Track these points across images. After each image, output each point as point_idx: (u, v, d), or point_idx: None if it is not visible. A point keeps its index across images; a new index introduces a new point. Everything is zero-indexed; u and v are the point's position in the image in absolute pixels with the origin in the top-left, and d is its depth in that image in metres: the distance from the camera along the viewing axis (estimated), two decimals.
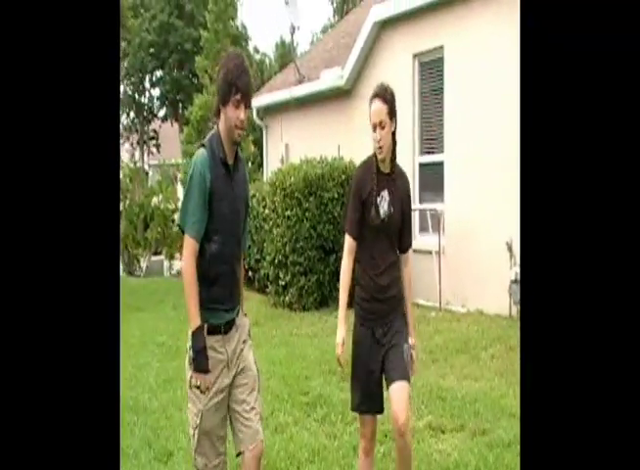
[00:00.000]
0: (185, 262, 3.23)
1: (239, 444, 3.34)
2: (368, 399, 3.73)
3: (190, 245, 3.23)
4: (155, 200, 20.44)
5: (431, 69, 10.27)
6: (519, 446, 4.45)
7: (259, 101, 15.13)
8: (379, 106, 3.63)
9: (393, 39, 11.00)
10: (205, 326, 3.24)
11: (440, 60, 9.86)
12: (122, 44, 21.83)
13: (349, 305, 3.71)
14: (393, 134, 3.69)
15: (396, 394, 3.57)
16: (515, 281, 8.67)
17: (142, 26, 31.84)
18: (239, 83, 3.19)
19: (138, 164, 31.70)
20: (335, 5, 36.89)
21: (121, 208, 20.55)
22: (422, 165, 10.51)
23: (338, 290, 11.50)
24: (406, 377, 3.63)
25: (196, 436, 3.27)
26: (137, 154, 35.88)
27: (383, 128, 3.62)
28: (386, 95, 3.64)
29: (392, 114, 3.65)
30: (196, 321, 3.18)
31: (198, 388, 3.20)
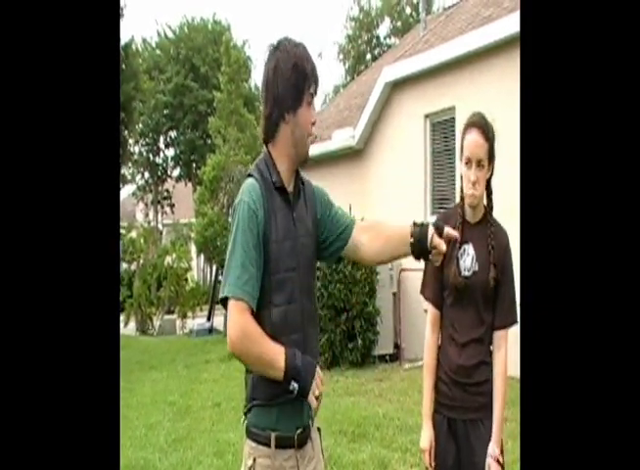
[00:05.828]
0: (235, 328, 2.16)
1: None
2: None
3: (238, 309, 2.18)
4: (168, 259, 20.64)
5: (442, 129, 10.38)
6: None
7: None
8: (477, 140, 2.84)
9: (405, 100, 11.14)
10: (273, 437, 2.29)
11: (452, 120, 9.94)
12: (137, 105, 22.22)
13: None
14: (489, 181, 2.96)
15: None
16: None
17: (157, 88, 32.44)
18: (315, 72, 2.37)
19: (152, 224, 31.96)
20: (347, 66, 37.53)
21: (135, 267, 20.77)
22: None
23: (349, 349, 11.15)
24: None
25: None
26: (151, 213, 36.15)
27: (480, 168, 2.85)
28: (486, 129, 2.87)
29: (492, 156, 2.89)
30: (279, 361, 2.18)
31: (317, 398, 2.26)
